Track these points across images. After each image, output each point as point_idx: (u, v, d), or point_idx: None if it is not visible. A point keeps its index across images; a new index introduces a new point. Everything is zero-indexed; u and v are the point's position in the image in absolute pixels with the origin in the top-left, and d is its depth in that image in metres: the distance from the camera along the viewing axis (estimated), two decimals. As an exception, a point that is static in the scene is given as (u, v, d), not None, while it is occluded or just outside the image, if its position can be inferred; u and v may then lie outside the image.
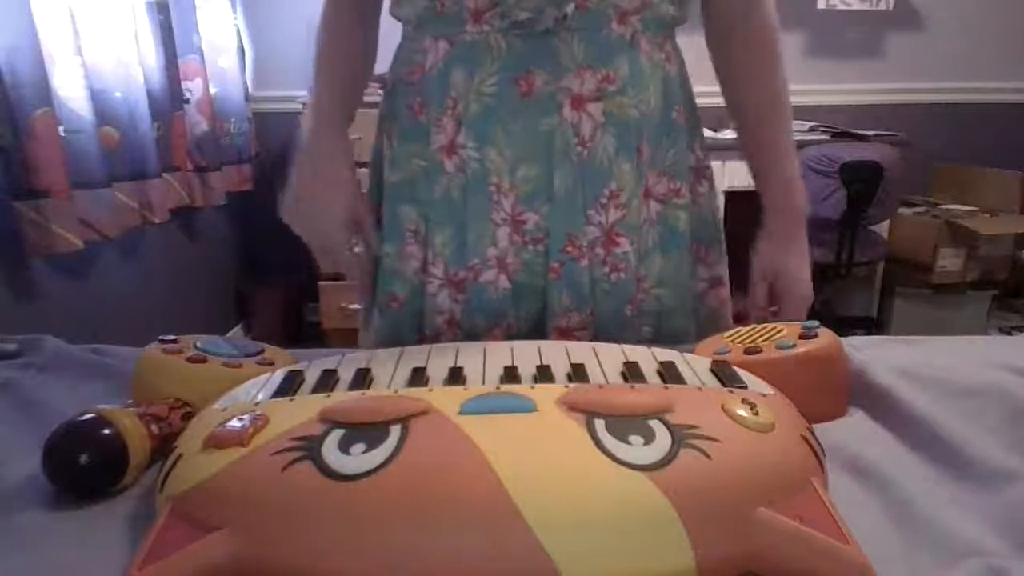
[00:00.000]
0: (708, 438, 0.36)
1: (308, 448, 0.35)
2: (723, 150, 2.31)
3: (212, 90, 2.14)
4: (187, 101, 1.99)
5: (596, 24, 0.62)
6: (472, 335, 0.69)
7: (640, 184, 0.67)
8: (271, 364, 0.55)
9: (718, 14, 0.72)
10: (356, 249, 0.73)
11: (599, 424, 0.36)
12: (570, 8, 0.60)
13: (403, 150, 0.71)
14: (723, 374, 0.46)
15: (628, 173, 0.66)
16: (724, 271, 0.78)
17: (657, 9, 0.65)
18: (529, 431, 0.37)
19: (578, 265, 0.66)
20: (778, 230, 0.72)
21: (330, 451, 0.35)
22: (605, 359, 0.49)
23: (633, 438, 0.35)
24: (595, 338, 0.67)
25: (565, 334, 0.67)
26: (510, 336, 0.68)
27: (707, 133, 2.05)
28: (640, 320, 0.70)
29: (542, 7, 0.60)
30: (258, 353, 0.58)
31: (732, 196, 2.17)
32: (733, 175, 2.15)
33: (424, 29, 0.67)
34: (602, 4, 0.62)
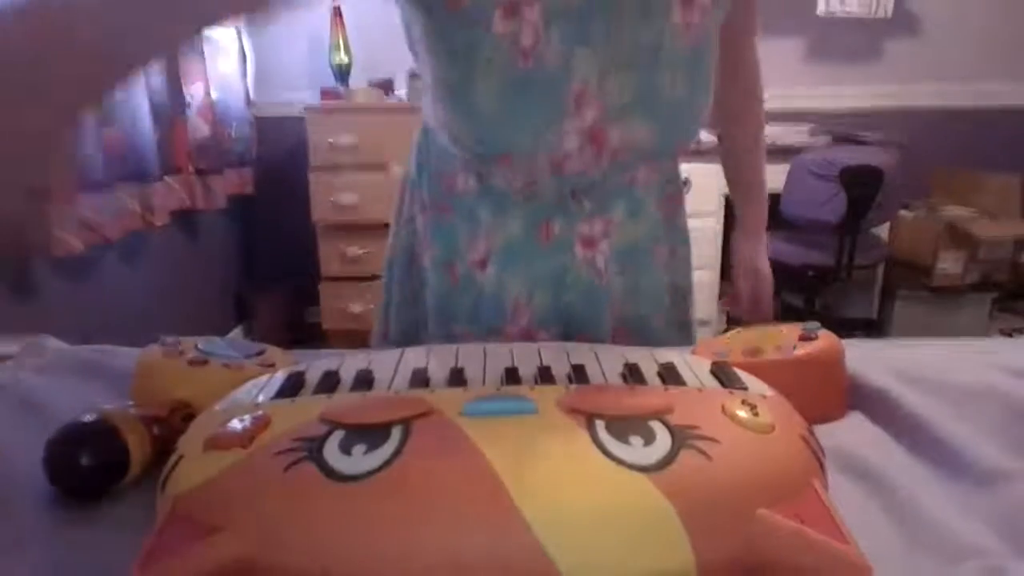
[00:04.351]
0: (708, 439, 0.36)
1: (309, 449, 0.35)
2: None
3: (213, 95, 2.14)
4: (188, 106, 2.00)
5: (608, 180, 0.70)
6: None
7: (637, 285, 0.77)
8: (272, 365, 0.55)
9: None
10: None
11: (600, 425, 0.37)
12: (587, 205, 0.71)
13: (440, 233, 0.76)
14: (723, 375, 0.46)
15: (622, 286, 0.76)
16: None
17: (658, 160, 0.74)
18: (530, 432, 0.37)
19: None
20: (755, 236, 0.91)
21: (331, 452, 0.35)
22: (605, 361, 0.49)
23: (633, 439, 0.36)
24: None
25: None
26: None
27: (705, 136, 2.08)
28: None
29: (563, 193, 0.70)
30: (259, 354, 0.58)
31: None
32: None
33: (452, 151, 0.71)
34: (611, 179, 0.70)
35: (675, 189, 0.81)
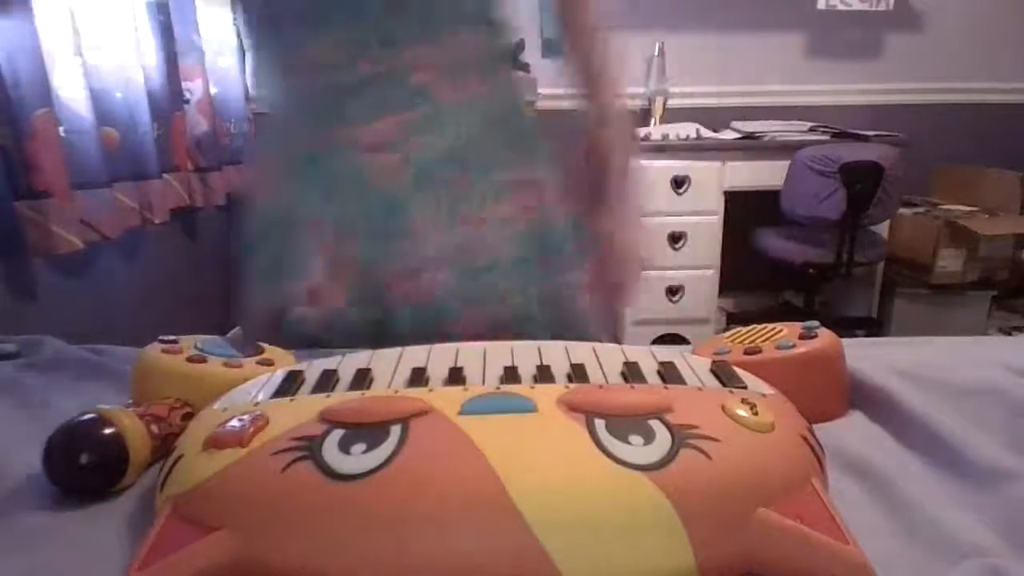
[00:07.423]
0: (708, 438, 0.36)
1: (308, 448, 0.35)
2: (723, 150, 2.31)
3: (212, 90, 2.14)
4: (187, 101, 1.99)
5: (393, 80, 0.68)
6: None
7: (446, 212, 0.71)
8: (271, 364, 0.55)
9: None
10: None
11: (599, 424, 0.36)
12: (361, 73, 0.67)
13: None
14: (723, 374, 0.46)
15: (428, 205, 0.71)
16: (576, 277, 0.79)
17: (463, 55, 0.70)
18: (529, 431, 0.37)
19: (391, 294, 0.72)
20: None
21: (330, 451, 0.35)
22: (605, 359, 0.49)
23: (633, 438, 0.35)
24: None
25: None
26: None
27: (707, 133, 2.07)
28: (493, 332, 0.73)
29: (340, 69, 0.68)
30: (258, 353, 0.57)
31: (732, 196, 2.17)
32: (733, 175, 2.14)
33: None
34: (397, 63, 0.68)
35: (511, 127, 0.75)
